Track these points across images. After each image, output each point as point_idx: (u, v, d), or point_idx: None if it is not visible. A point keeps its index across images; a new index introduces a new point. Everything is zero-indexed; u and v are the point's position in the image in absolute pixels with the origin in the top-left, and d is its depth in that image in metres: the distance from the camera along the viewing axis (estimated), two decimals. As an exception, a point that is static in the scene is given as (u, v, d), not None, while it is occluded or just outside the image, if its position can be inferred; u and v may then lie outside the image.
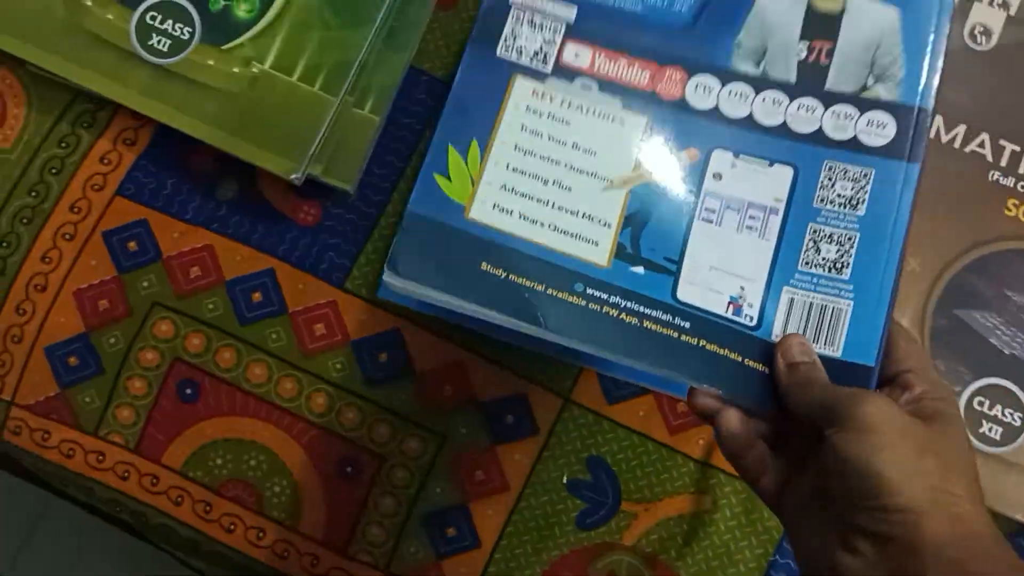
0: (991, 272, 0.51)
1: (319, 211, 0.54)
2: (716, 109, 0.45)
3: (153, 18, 0.52)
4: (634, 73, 0.46)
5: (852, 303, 0.43)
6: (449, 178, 0.45)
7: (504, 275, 0.43)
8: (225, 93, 0.52)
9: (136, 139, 0.54)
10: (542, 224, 0.44)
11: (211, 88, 0.52)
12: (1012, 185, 0.52)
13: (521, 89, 0.46)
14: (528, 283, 0.44)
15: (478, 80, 0.46)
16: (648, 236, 0.45)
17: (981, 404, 0.50)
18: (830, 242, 0.44)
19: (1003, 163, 0.52)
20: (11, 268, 0.53)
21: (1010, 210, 0.52)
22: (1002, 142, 0.52)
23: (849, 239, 0.43)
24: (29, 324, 0.53)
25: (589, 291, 0.44)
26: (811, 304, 0.43)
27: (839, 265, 0.43)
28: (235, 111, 0.52)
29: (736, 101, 0.45)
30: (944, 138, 0.52)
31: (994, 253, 0.51)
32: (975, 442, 0.49)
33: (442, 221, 0.44)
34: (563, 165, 0.45)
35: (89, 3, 0.52)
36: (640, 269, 0.44)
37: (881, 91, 0.45)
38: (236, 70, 0.52)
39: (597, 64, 0.46)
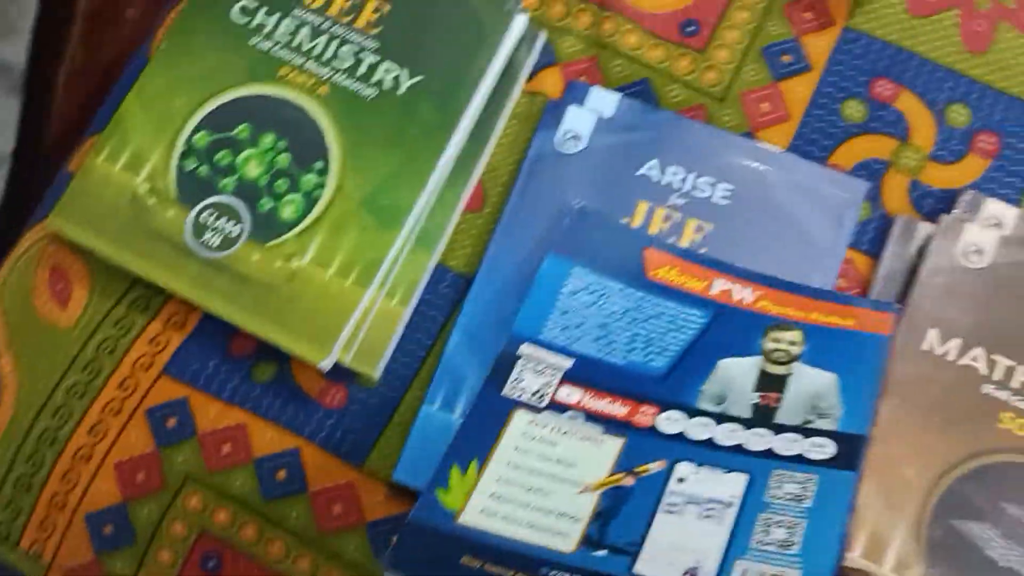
0: (987, 484, 0.52)
1: (345, 395, 0.57)
2: (682, 434, 0.53)
3: (207, 217, 0.58)
4: (615, 408, 0.54)
5: (801, 572, 0.47)
6: (448, 489, 0.51)
7: (480, 565, 0.48)
8: (266, 285, 0.57)
9: (185, 322, 0.59)
10: (520, 523, 0.50)
11: (254, 280, 0.57)
12: (1005, 399, 0.53)
13: (519, 420, 0.54)
14: (500, 571, 0.48)
15: (485, 413, 0.54)
16: (614, 527, 0.50)
17: (978, 617, 0.50)
18: (780, 526, 0.49)
19: (996, 377, 0.54)
20: (61, 439, 0.58)
21: (1003, 423, 0.53)
22: (995, 356, 0.54)
23: (797, 524, 0.49)
24: (73, 492, 0.57)
25: (554, 573, 0.48)
26: (763, 573, 0.47)
27: (788, 544, 0.48)
28: (274, 302, 0.57)
29: (699, 429, 0.53)
30: (938, 351, 0.55)
31: (989, 465, 0.53)
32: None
33: (435, 526, 0.49)
34: (546, 476, 0.52)
35: (151, 202, 0.58)
36: (603, 552, 0.49)
37: (822, 424, 0.53)
38: (278, 265, 0.57)
39: (585, 401, 0.55)
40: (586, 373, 0.56)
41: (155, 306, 0.59)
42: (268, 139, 0.59)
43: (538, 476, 0.52)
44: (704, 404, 0.54)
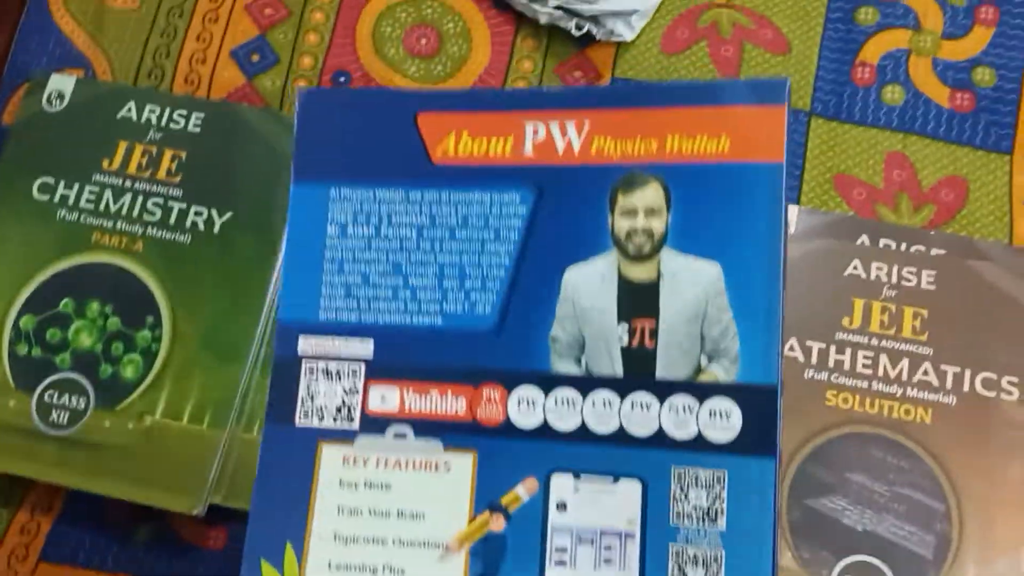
0: (827, 460, 0.57)
1: (225, 534, 0.58)
2: (545, 425, 0.41)
3: (51, 396, 0.58)
4: (449, 403, 0.42)
5: None
6: None
7: None
8: (124, 448, 0.57)
9: (51, 504, 0.59)
10: None
11: (111, 447, 0.58)
12: (826, 379, 0.59)
13: (330, 460, 0.41)
14: None
15: (281, 463, 0.42)
16: None
17: (849, 583, 0.55)
18: (696, 565, 0.40)
19: (814, 361, 0.59)
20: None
21: (829, 400, 0.58)
22: (808, 343, 0.59)
23: (715, 559, 0.40)
24: None
25: None
26: None
27: None
28: (136, 463, 0.57)
29: (564, 411, 0.41)
30: (758, 351, 0.60)
31: (826, 442, 0.57)
32: (853, 620, 0.54)
33: None
34: (391, 543, 0.41)
35: (-9, 396, 0.59)
36: None
37: (718, 371, 0.41)
38: (131, 426, 0.58)
39: (408, 403, 0.42)
40: (397, 356, 0.42)
41: (17, 495, 0.59)
42: (94, 307, 0.60)
43: (381, 547, 0.40)
44: (560, 363, 0.41)
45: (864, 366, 0.59)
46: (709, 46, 0.68)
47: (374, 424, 0.42)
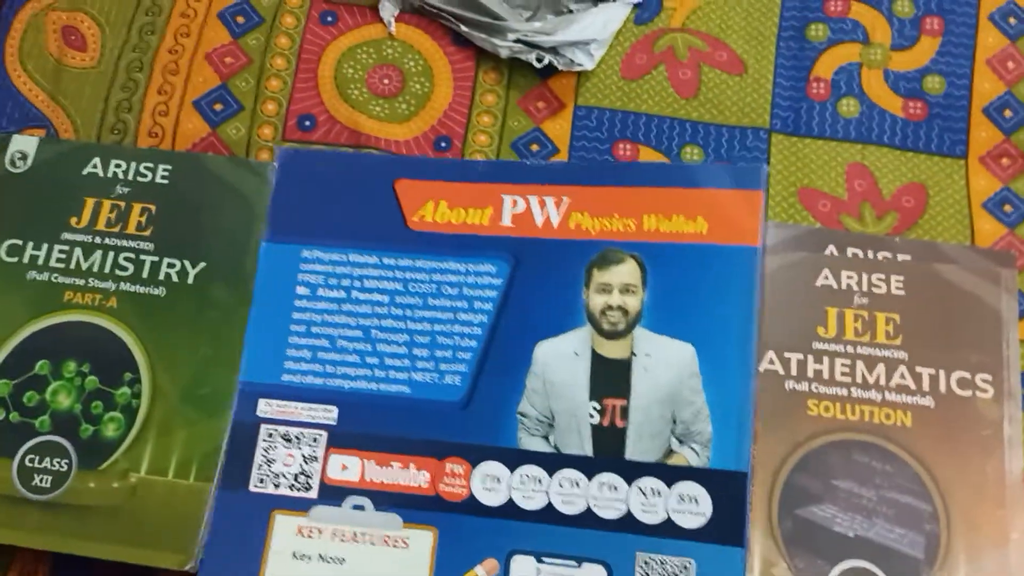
0: (814, 468, 0.58)
1: (220, 588, 0.58)
2: (509, 503, 0.40)
3: (32, 460, 0.57)
4: (411, 476, 0.40)
5: None
6: None
7: None
8: (110, 509, 0.57)
9: (37, 571, 0.58)
10: None
11: (96, 508, 0.57)
12: (806, 388, 0.59)
13: (283, 529, 0.39)
14: None
15: (233, 531, 0.39)
16: None
17: (844, 590, 0.55)
18: None
19: (793, 372, 0.60)
20: None
21: (811, 410, 0.59)
22: (786, 354, 0.60)
23: None
24: None
25: None
26: None
27: None
28: (123, 522, 0.56)
29: (529, 489, 0.40)
30: (738, 366, 0.60)
31: (811, 451, 0.58)
32: (852, 626, 0.54)
33: None
34: None
35: (-30, 465, 0.58)
36: None
37: (689, 455, 0.40)
38: (116, 485, 0.57)
39: (368, 474, 0.40)
40: (361, 424, 0.40)
41: (3, 565, 0.58)
42: (71, 367, 0.59)
43: None
44: (528, 440, 0.40)
45: (843, 374, 0.60)
46: (667, 70, 0.70)
47: (332, 494, 0.41)
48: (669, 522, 0.39)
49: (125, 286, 0.61)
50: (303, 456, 0.40)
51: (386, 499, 0.40)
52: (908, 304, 0.61)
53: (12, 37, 0.71)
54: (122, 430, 0.58)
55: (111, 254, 0.62)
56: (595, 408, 0.40)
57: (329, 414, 0.41)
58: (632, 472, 0.40)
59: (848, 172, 0.67)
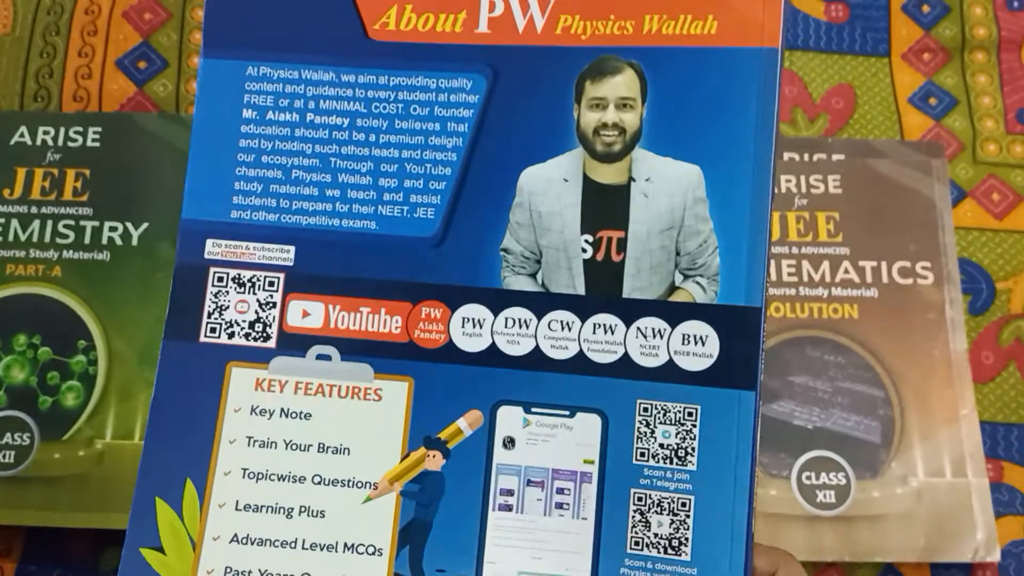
0: (770, 367, 0.60)
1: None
2: (493, 348, 0.36)
3: (-9, 435, 0.57)
4: (382, 322, 0.36)
5: None
6: (163, 550, 0.34)
7: None
8: (79, 477, 0.56)
9: (10, 549, 0.57)
10: None
11: (64, 478, 0.56)
12: (756, 291, 0.61)
13: (240, 383, 0.35)
14: None
15: (182, 388, 0.36)
16: (433, 552, 0.35)
17: (808, 478, 0.58)
18: (661, 512, 0.34)
19: (742, 277, 0.62)
20: None
21: (763, 312, 0.61)
22: (734, 261, 0.62)
23: (683, 505, 0.34)
24: None
25: None
26: None
27: (675, 543, 0.34)
28: (93, 490, 0.56)
29: (515, 334, 0.36)
30: (689, 276, 0.62)
31: (766, 350, 0.60)
32: (817, 511, 0.57)
33: None
34: (310, 480, 0.35)
35: (-72, 448, 0.56)
36: None
37: (694, 291, 0.35)
38: (81, 453, 0.56)
39: (334, 320, 0.36)
40: (322, 265, 0.36)
41: (-27, 545, 0.57)
42: (21, 339, 0.58)
43: (298, 486, 0.34)
44: (513, 279, 0.36)
45: (789, 274, 0.61)
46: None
47: (294, 343, 0.36)
48: (672, 365, 0.35)
49: (68, 254, 0.60)
50: (258, 302, 0.36)
51: (354, 348, 0.36)
52: (846, 201, 0.63)
53: (-84, 10, 0.68)
54: (82, 398, 0.57)
55: (49, 223, 0.60)
56: (588, 241, 0.36)
57: (286, 254, 0.36)
58: (630, 311, 0.35)
59: (778, 79, 0.68)
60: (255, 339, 0.36)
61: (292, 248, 0.36)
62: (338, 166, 0.37)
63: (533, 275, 0.36)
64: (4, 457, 0.56)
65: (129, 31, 0.68)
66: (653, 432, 0.35)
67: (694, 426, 0.35)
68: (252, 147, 0.37)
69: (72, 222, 0.60)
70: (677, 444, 0.35)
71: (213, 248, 0.36)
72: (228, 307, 0.36)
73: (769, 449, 0.58)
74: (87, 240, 0.60)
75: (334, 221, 0.36)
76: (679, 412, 0.35)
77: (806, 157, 0.64)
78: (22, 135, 0.62)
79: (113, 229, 0.60)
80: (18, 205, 0.61)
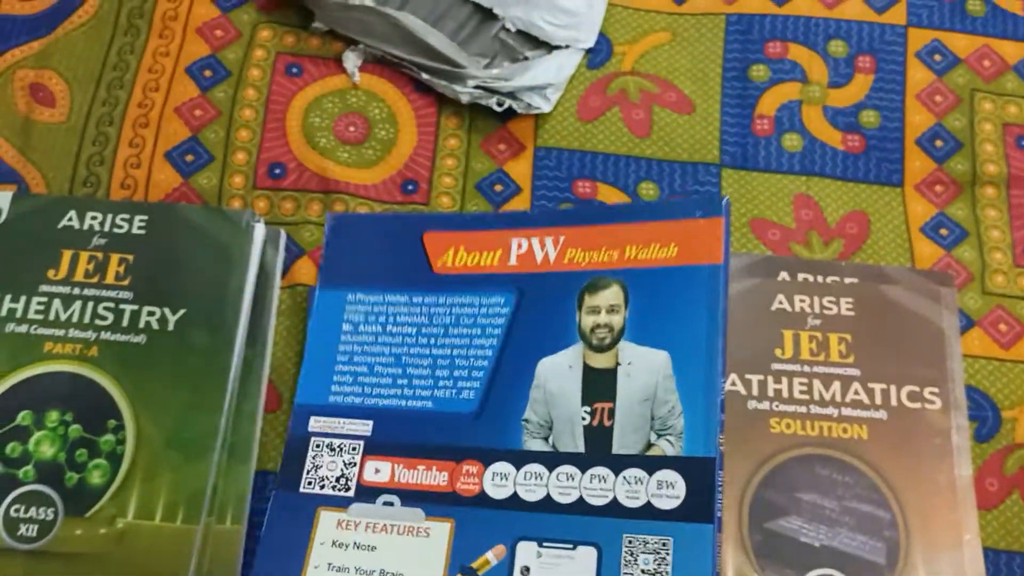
0: (779, 483, 0.61)
1: (210, 629, 0.58)
2: (515, 496, 0.46)
3: (17, 511, 0.58)
4: (433, 476, 0.47)
5: None
6: None
7: None
8: (97, 555, 0.57)
9: (24, 622, 0.58)
10: None
11: (84, 555, 0.57)
12: (768, 407, 0.63)
13: (326, 523, 0.47)
14: None
15: (285, 525, 0.47)
16: None
17: (814, 597, 0.58)
18: None
19: (755, 392, 0.63)
20: None
21: (773, 427, 0.62)
22: (747, 376, 0.64)
23: None
24: None
25: None
26: None
27: None
28: (110, 568, 0.57)
29: (532, 484, 0.46)
30: (703, 389, 0.64)
31: (775, 467, 0.61)
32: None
33: None
34: None
35: (-45, 518, 0.58)
36: None
37: (665, 447, 0.46)
38: (103, 531, 0.58)
39: (397, 476, 0.47)
40: (391, 434, 0.48)
41: (-12, 618, 0.58)
42: (53, 416, 0.60)
43: None
44: (531, 442, 0.47)
45: (800, 392, 0.63)
46: (621, 111, 0.74)
47: (367, 493, 0.47)
48: (649, 505, 0.46)
49: (105, 335, 0.62)
50: (343, 462, 0.48)
51: (411, 496, 0.47)
52: (858, 324, 0.65)
53: (-21, 96, 0.72)
54: (107, 477, 0.59)
55: (90, 304, 0.63)
56: (586, 411, 0.48)
57: (365, 427, 0.49)
58: (618, 464, 0.47)
59: (795, 202, 0.71)
60: (339, 489, 0.48)
61: (371, 422, 0.49)
62: (407, 362, 0.50)
63: (546, 438, 0.48)
64: (27, 531, 0.57)
65: (179, 126, 0.71)
66: (636, 559, 0.45)
67: (668, 554, 0.45)
68: (347, 350, 0.51)
69: (112, 304, 0.63)
70: (655, 569, 0.44)
71: (315, 423, 0.50)
72: (322, 466, 0.48)
73: (774, 565, 0.59)
74: (125, 323, 0.62)
75: (402, 402, 0.49)
76: (656, 543, 0.45)
77: (820, 279, 0.67)
78: (70, 219, 0.65)
79: (151, 314, 0.63)
80: (62, 286, 0.63)
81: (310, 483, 0.48)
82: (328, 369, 0.50)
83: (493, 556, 0.46)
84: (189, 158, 0.71)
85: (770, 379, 0.64)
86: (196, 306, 0.63)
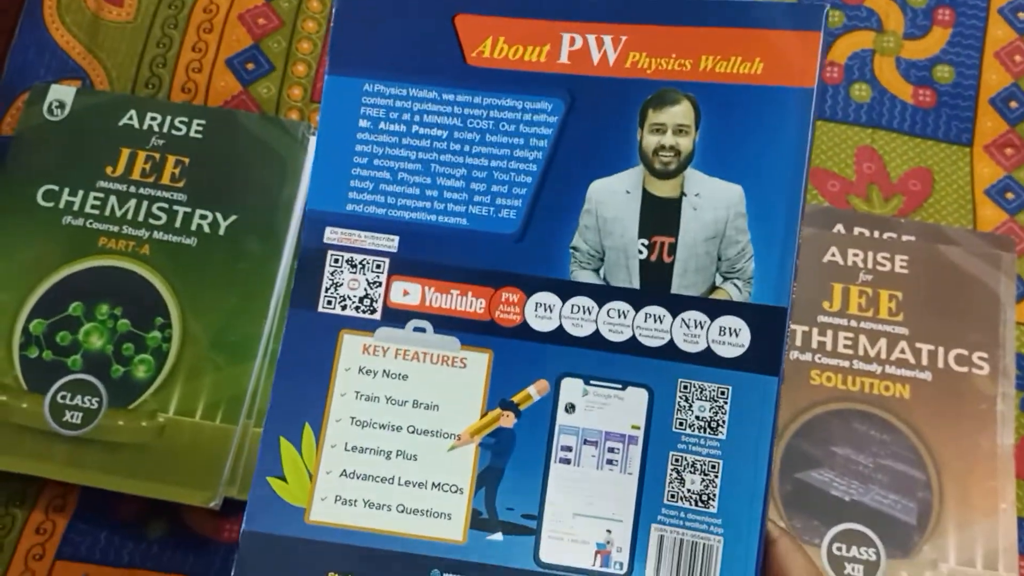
0: (814, 435, 0.60)
1: (239, 526, 0.60)
2: (560, 329, 0.42)
3: (63, 397, 0.60)
4: (469, 302, 0.43)
5: (722, 539, 0.41)
6: (285, 479, 0.42)
7: None
8: (138, 446, 0.59)
9: (65, 504, 0.60)
10: (389, 507, 0.42)
11: (124, 445, 0.59)
12: (810, 359, 0.62)
13: (350, 348, 0.42)
14: None
15: (302, 348, 0.43)
16: (504, 494, 0.42)
17: (839, 549, 0.58)
18: (694, 471, 0.41)
19: (798, 343, 0.62)
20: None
21: (814, 379, 0.62)
22: (792, 326, 0.63)
23: (712, 467, 0.41)
24: None
25: None
26: (681, 542, 0.41)
27: (705, 497, 0.41)
28: (150, 460, 0.59)
29: (579, 318, 0.42)
30: (746, 335, 0.63)
31: (812, 418, 0.61)
32: (845, 584, 0.57)
33: (281, 534, 0.41)
34: (405, 430, 0.42)
35: (3, 399, 0.59)
36: (498, 536, 0.42)
37: (731, 291, 0.42)
38: (144, 424, 0.59)
39: (429, 299, 0.43)
40: (422, 254, 0.43)
41: (32, 496, 0.60)
42: (103, 309, 0.61)
43: (396, 433, 0.42)
44: (579, 273, 0.42)
45: (845, 346, 0.62)
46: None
47: (395, 317, 0.43)
48: (709, 351, 0.42)
49: (158, 235, 0.63)
50: (367, 281, 0.43)
51: (445, 323, 0.43)
52: (911, 282, 0.63)
53: (50, -10, 0.72)
54: (152, 372, 0.60)
55: (145, 203, 0.64)
56: (644, 244, 0.43)
57: (391, 242, 0.43)
58: (677, 305, 0.42)
59: (857, 154, 0.69)
60: (363, 311, 0.43)
61: (396, 237, 0.43)
62: (437, 171, 0.44)
63: (596, 270, 0.43)
64: (72, 417, 0.59)
65: (242, 34, 0.71)
66: (691, 406, 0.42)
67: (725, 403, 0.41)
68: (366, 151, 0.44)
69: (166, 205, 0.64)
70: (710, 417, 0.41)
71: (331, 234, 0.43)
72: (342, 284, 0.43)
73: (803, 515, 0.59)
74: (178, 224, 0.63)
75: (432, 217, 0.44)
76: (713, 391, 0.42)
77: (876, 234, 0.65)
78: (131, 118, 0.66)
79: (203, 217, 0.63)
80: (119, 183, 0.64)
81: (329, 302, 0.43)
82: (344, 172, 0.44)
83: (536, 391, 0.42)
84: (250, 66, 0.71)
85: (815, 331, 0.63)
86: (248, 213, 0.63)
